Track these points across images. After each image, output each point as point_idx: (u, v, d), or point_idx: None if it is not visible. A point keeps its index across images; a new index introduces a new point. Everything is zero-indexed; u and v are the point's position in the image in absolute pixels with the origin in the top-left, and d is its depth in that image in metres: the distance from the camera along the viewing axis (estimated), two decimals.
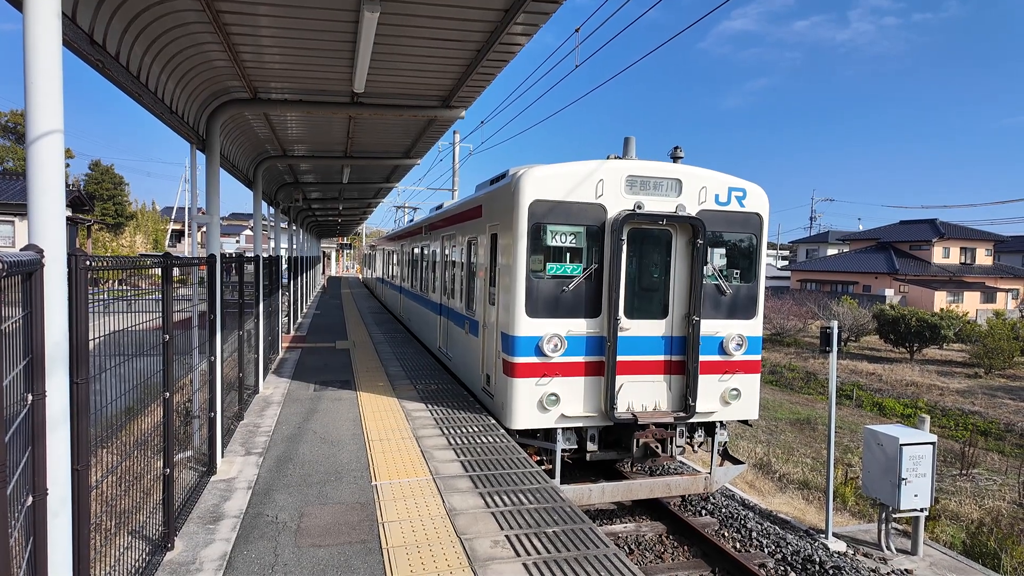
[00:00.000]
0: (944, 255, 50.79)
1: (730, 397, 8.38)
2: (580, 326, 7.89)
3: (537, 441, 8.15)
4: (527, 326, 7.73)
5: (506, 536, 5.16)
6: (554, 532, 5.26)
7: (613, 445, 8.41)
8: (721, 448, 8.84)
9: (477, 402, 9.54)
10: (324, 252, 62.50)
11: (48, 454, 2.80)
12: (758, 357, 8.60)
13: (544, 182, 7.67)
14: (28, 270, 2.62)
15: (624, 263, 7.85)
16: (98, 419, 3.64)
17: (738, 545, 8.33)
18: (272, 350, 12.83)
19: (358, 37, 5.52)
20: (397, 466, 6.79)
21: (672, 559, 7.99)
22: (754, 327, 8.53)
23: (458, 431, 8.08)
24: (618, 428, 8.15)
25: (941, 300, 42.94)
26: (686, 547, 8.24)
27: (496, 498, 5.95)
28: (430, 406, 9.42)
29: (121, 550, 4.13)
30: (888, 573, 7.54)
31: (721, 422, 8.68)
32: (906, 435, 8.09)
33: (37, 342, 2.70)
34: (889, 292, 45.39)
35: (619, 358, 7.88)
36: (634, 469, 9.83)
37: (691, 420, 8.23)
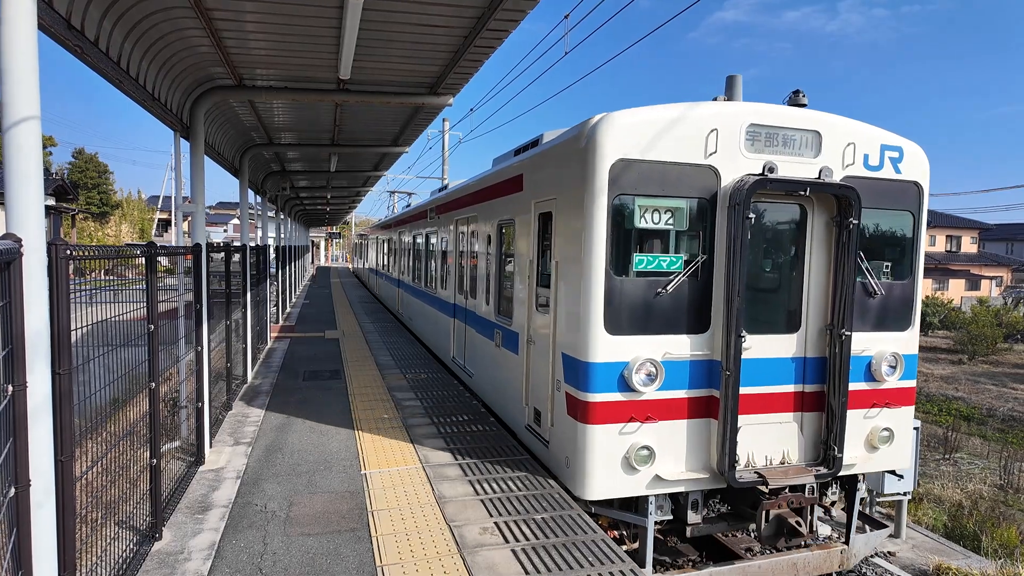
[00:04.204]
0: (930, 243, 51.37)
1: (879, 440, 6.09)
2: (681, 346, 5.59)
3: (615, 512, 5.83)
4: (607, 347, 5.39)
5: (495, 523, 5.19)
6: (543, 519, 5.29)
7: (725, 513, 6.13)
8: (861, 508, 6.57)
9: (515, 441, 7.26)
10: (313, 241, 62.14)
11: (30, 445, 2.78)
12: (913, 383, 6.33)
13: (633, 133, 5.31)
14: (6, 259, 2.58)
15: (745, 253, 5.49)
16: (83, 410, 3.61)
17: None
18: (261, 340, 12.77)
19: (343, 22, 5.45)
20: (387, 455, 6.80)
21: None
22: (909, 342, 6.25)
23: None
24: (733, 491, 5.86)
25: (927, 287, 43.48)
26: None
27: (485, 485, 5.98)
28: (425, 402, 9.41)
29: (108, 541, 4.12)
30: (871, 555, 7.67)
31: (863, 475, 6.40)
32: None
33: (16, 332, 2.67)
34: None
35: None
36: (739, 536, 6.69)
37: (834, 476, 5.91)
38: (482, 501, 5.62)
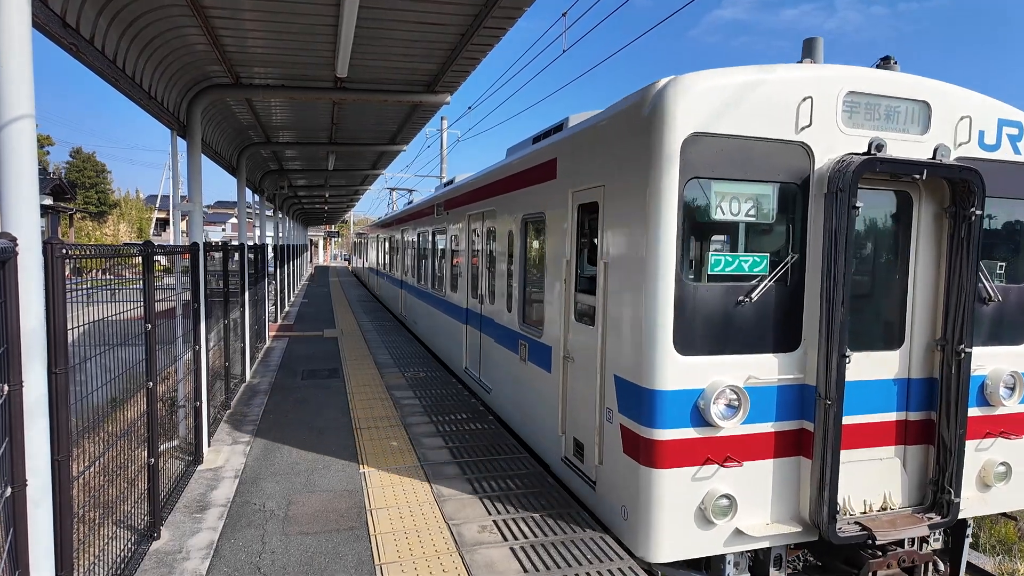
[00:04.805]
0: None
1: (995, 477, 5.07)
2: (767, 367, 4.58)
3: (682, 573, 4.79)
4: (678, 371, 4.40)
5: (494, 521, 5.19)
6: (541, 516, 5.29)
7: (812, 566, 5.26)
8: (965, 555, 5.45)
9: (549, 475, 6.16)
10: (311, 240, 62.12)
11: (27, 444, 2.77)
12: None
13: (709, 101, 4.32)
14: (1, 259, 2.57)
15: (851, 251, 4.45)
16: (81, 409, 3.61)
17: None
18: (259, 339, 12.77)
19: (340, 20, 5.43)
20: (385, 453, 6.79)
21: None
22: None
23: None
24: (827, 545, 4.72)
25: None
26: None
27: (484, 483, 5.97)
28: (421, 395, 9.41)
29: (106, 540, 4.11)
30: None
31: (972, 518, 5.34)
32: None
33: (12, 331, 2.66)
34: None
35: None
36: None
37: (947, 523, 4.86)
38: (480, 499, 5.62)
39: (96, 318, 3.95)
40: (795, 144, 4.54)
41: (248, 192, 13.71)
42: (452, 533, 4.96)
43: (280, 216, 22.10)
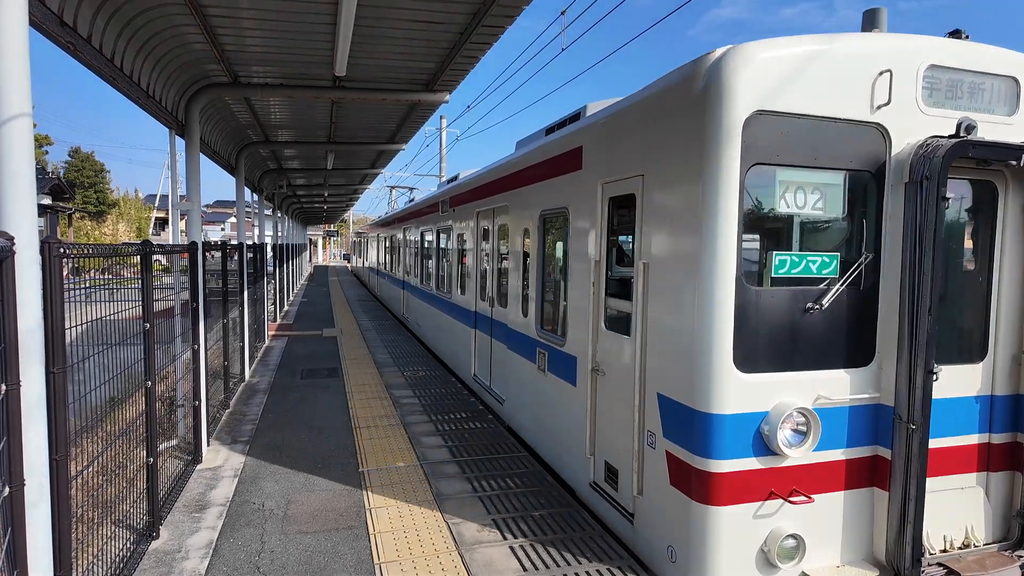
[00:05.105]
0: None
1: None
2: (838, 385, 4.01)
3: None
4: (738, 391, 3.80)
5: (493, 520, 5.19)
6: (540, 515, 5.29)
7: None
8: None
9: (574, 500, 5.61)
10: (311, 239, 62.11)
11: (24, 444, 2.76)
12: None
13: (774, 74, 3.75)
14: None
15: (939, 249, 3.86)
16: (79, 408, 3.60)
17: None
18: (258, 338, 12.76)
19: (338, 19, 5.42)
20: (385, 452, 6.79)
21: None
22: None
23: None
24: None
25: None
26: None
27: (483, 482, 5.97)
28: (421, 395, 9.41)
29: (105, 540, 4.11)
30: None
31: None
32: None
33: (9, 331, 2.65)
34: None
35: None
36: None
37: None
38: (480, 498, 5.62)
39: (95, 317, 3.94)
40: (869, 125, 3.94)
41: (247, 191, 13.71)
42: (451, 532, 4.96)
43: (279, 215, 22.09)
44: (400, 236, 17.60)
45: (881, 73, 3.90)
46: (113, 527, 4.45)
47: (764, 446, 3.83)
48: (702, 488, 3.83)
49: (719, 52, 3.82)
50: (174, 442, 6.56)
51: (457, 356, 10.54)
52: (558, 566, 4.47)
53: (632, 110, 4.75)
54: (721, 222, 3.73)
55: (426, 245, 13.55)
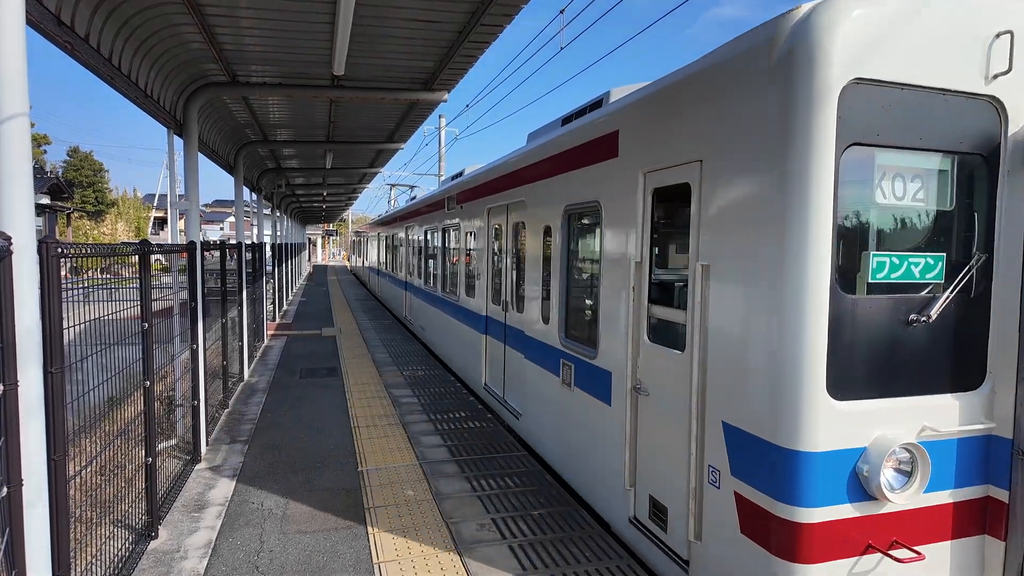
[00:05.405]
0: None
1: None
2: (945, 413, 3.35)
3: None
4: (832, 423, 3.17)
5: (492, 519, 5.19)
6: (539, 514, 5.29)
7: None
8: None
9: (609, 535, 4.97)
10: (309, 239, 62.09)
11: (22, 444, 2.76)
12: None
13: (871, 34, 3.10)
14: None
15: None
16: (78, 408, 3.60)
17: None
18: (257, 338, 12.75)
19: (336, 18, 5.42)
20: (384, 452, 6.79)
21: None
22: None
23: None
24: None
25: None
26: None
27: (482, 482, 5.97)
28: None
29: (104, 540, 4.11)
30: None
31: None
32: None
33: (7, 331, 2.65)
34: None
35: None
36: None
37: None
38: (479, 497, 5.62)
39: (93, 317, 3.94)
40: (983, 99, 3.28)
41: (246, 191, 13.69)
42: (450, 531, 4.96)
43: (278, 215, 22.07)
44: (403, 235, 17.05)
45: (999, 35, 3.23)
46: (112, 527, 4.45)
47: (861, 489, 3.19)
48: (786, 541, 3.17)
49: (805, 7, 3.17)
50: (173, 442, 6.56)
51: (466, 363, 9.79)
52: (557, 565, 4.48)
53: (687, 85, 4.02)
54: (812, 215, 3.07)
55: (431, 244, 13.00)
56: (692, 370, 3.86)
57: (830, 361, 3.09)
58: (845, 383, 3.16)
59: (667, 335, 4.32)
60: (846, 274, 3.24)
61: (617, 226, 4.85)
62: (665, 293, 4.52)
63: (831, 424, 3.12)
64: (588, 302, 5.65)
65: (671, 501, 4.16)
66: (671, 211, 4.43)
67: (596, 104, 5.83)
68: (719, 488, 3.64)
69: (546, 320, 6.40)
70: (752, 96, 3.40)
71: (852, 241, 3.28)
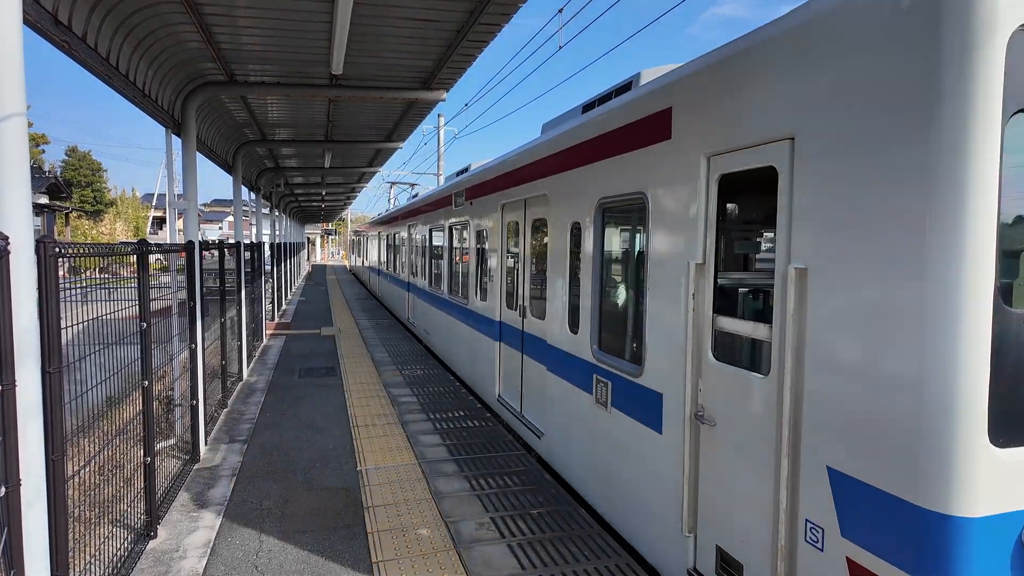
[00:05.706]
0: None
1: None
2: None
3: None
4: (994, 477, 2.35)
5: (491, 518, 5.19)
6: (538, 513, 5.29)
7: None
8: None
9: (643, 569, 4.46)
10: (308, 238, 62.07)
11: (21, 444, 2.76)
12: None
13: None
14: None
15: None
16: (76, 408, 3.59)
17: None
18: (256, 337, 12.75)
19: (334, 17, 5.41)
20: (383, 451, 6.79)
21: None
22: None
23: None
24: None
25: None
26: None
27: (481, 481, 5.97)
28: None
29: (103, 540, 4.11)
30: None
31: None
32: None
33: (5, 331, 2.65)
34: None
35: None
36: None
37: None
38: (478, 496, 5.62)
39: (91, 316, 3.93)
40: None
41: (244, 190, 13.68)
42: (449, 530, 4.96)
43: (277, 214, 22.06)
44: (405, 234, 16.21)
45: None
46: (111, 526, 4.44)
47: None
48: None
49: None
50: (172, 441, 6.56)
51: (477, 372, 9.00)
52: (556, 564, 4.48)
53: (775, 45, 3.23)
54: (969, 204, 2.32)
55: (436, 243, 12.13)
56: (782, 399, 3.11)
57: (992, 395, 2.34)
58: (1012, 425, 2.39)
59: (740, 353, 3.68)
60: (1009, 283, 2.49)
61: (669, 221, 4.11)
62: (735, 302, 3.90)
63: (994, 479, 2.37)
64: (629, 310, 4.92)
65: (748, 558, 3.43)
66: (745, 203, 3.76)
67: (624, 87, 5.23)
68: (822, 550, 2.91)
69: (574, 328, 5.66)
70: (875, 53, 2.65)
71: (1018, 239, 2.54)
